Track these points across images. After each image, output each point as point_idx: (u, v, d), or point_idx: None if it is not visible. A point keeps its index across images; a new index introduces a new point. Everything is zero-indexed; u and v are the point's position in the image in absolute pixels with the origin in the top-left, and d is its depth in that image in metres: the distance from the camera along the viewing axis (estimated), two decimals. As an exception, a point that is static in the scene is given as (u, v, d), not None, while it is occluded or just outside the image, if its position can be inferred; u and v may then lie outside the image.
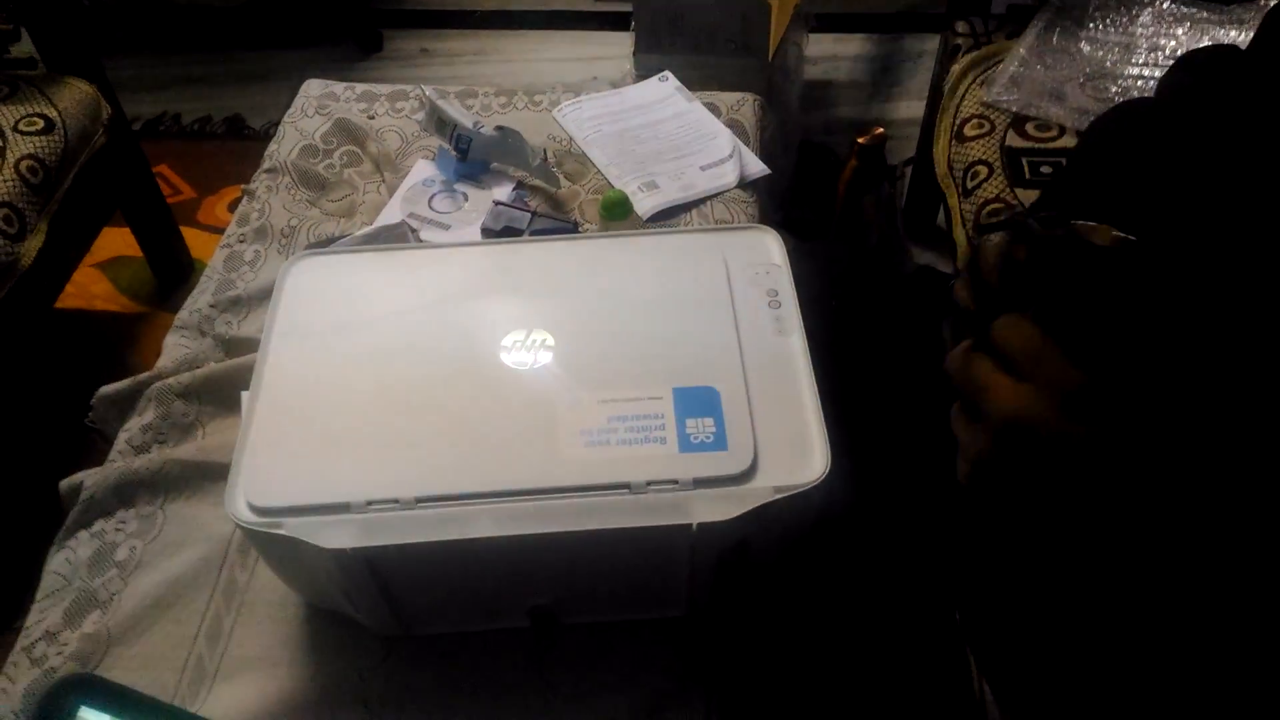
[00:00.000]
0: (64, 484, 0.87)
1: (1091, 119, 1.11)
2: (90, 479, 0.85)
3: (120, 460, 0.88)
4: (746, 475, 0.66)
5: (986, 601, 0.69)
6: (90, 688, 0.54)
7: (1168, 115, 0.70)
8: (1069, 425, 0.48)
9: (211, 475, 0.86)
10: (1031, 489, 0.51)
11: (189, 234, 1.79)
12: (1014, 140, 1.15)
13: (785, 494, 0.65)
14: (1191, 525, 0.47)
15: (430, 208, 1.13)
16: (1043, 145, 1.13)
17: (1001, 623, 0.68)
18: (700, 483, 0.66)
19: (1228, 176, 0.64)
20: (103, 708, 0.53)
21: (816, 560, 0.72)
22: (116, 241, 1.74)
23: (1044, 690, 0.62)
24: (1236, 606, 0.47)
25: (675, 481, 0.65)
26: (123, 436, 0.91)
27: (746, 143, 1.20)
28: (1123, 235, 0.51)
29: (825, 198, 1.56)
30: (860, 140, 1.37)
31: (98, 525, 0.84)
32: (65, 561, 0.82)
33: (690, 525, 0.64)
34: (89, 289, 1.75)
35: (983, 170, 1.13)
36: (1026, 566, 0.62)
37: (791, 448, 0.68)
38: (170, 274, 1.74)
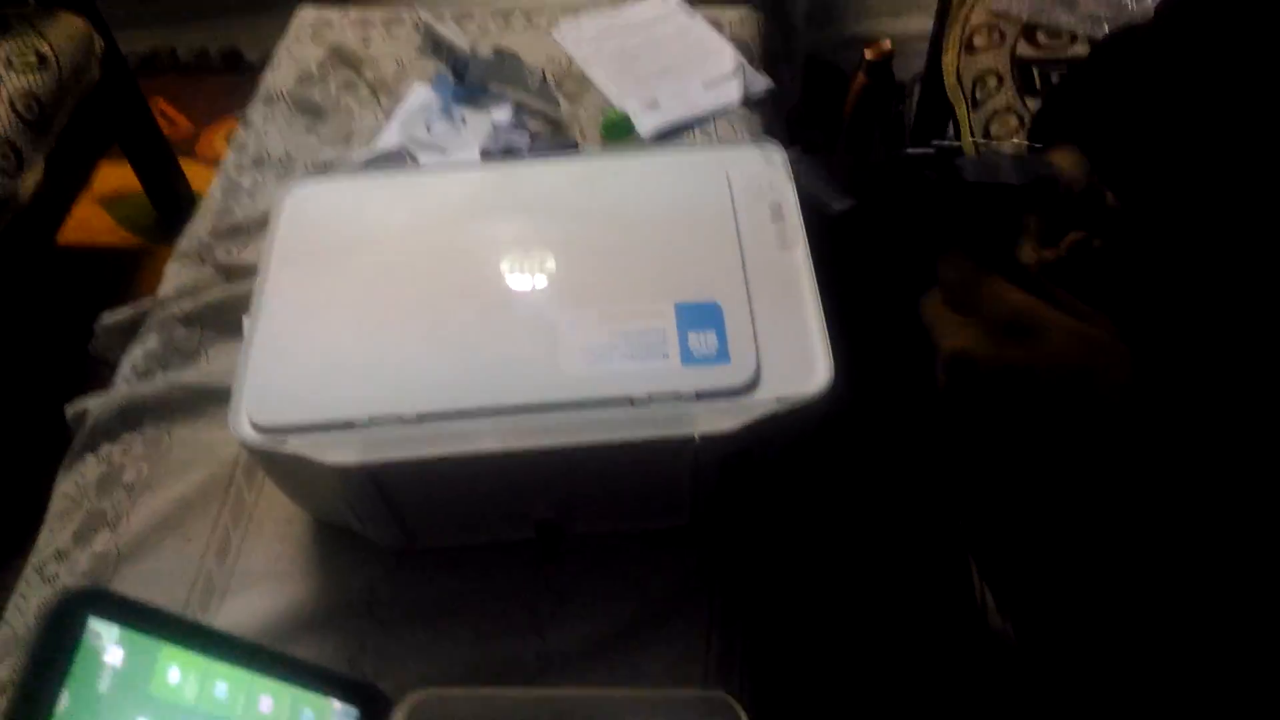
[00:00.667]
0: (70, 409, 0.87)
1: (1104, 25, 1.08)
2: (95, 404, 0.86)
3: (125, 386, 0.88)
4: (749, 387, 0.66)
5: (987, 509, 0.70)
6: (100, 599, 0.54)
7: (1164, 38, 0.68)
8: (1007, 353, 0.49)
9: (216, 399, 0.86)
10: (985, 415, 0.52)
11: (188, 167, 1.79)
12: (1024, 50, 1.12)
13: (788, 405, 0.65)
14: (1141, 441, 0.48)
15: (428, 132, 1.11)
16: (1053, 54, 1.11)
17: (1002, 530, 0.68)
18: (703, 395, 0.65)
19: (1218, 108, 0.62)
20: (112, 619, 0.54)
21: (820, 470, 0.72)
22: (116, 176, 1.73)
23: (1045, 596, 0.63)
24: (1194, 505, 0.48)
25: (677, 394, 0.65)
26: (126, 363, 0.91)
27: (750, 59, 1.18)
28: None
29: (833, 117, 1.54)
30: (868, 55, 1.35)
31: (104, 449, 0.84)
32: (74, 484, 0.83)
33: (693, 437, 0.64)
34: (90, 224, 1.74)
35: (992, 81, 1.11)
36: (1014, 478, 0.63)
37: (794, 359, 0.67)
38: (170, 207, 1.74)
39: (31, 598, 0.76)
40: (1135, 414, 0.48)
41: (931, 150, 0.54)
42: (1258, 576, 0.47)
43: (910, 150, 0.55)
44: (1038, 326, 0.49)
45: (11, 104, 1.33)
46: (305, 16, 1.32)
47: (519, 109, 1.14)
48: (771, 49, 1.25)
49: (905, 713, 0.65)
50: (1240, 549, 0.47)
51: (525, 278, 0.72)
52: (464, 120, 1.13)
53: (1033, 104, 1.07)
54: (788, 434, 0.67)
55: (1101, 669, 0.55)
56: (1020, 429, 0.52)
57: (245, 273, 0.97)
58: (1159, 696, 0.50)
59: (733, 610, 0.73)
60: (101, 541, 0.79)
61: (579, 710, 0.64)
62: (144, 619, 0.55)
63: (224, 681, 0.56)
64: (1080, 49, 1.11)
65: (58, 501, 0.82)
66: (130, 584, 0.76)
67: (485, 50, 1.12)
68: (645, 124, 1.10)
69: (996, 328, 0.50)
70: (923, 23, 1.64)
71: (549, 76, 1.17)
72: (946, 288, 0.53)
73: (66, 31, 1.45)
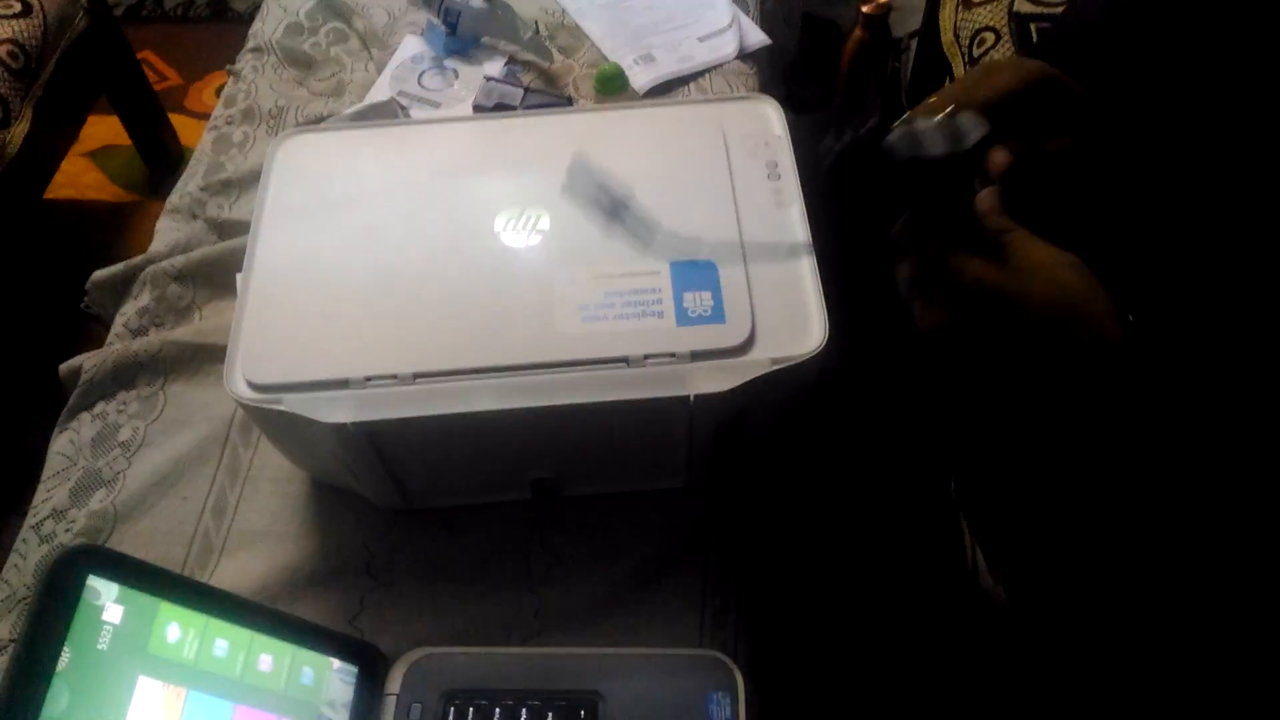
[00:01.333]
0: (63, 367, 0.86)
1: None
2: (89, 362, 0.85)
3: (118, 343, 0.88)
4: (744, 347, 0.66)
5: (978, 469, 0.70)
6: (98, 557, 0.55)
7: None
8: (980, 325, 0.51)
9: (210, 357, 0.86)
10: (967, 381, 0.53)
11: (178, 121, 1.76)
12: (1023, 5, 1.11)
13: (782, 365, 0.65)
14: (1129, 400, 0.48)
15: (420, 85, 1.10)
16: (1053, 10, 1.09)
17: (993, 490, 0.68)
18: (698, 355, 0.65)
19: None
20: (111, 577, 0.54)
21: (814, 430, 0.72)
22: (105, 130, 1.71)
23: (1036, 557, 0.64)
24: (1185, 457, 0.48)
25: (673, 354, 0.65)
26: (119, 320, 0.90)
27: (746, 12, 1.16)
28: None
29: (829, 74, 1.52)
30: (864, 9, 1.33)
31: (99, 407, 0.84)
32: (69, 442, 0.83)
33: (688, 397, 0.64)
34: (79, 179, 1.72)
35: (990, 37, 1.10)
36: (999, 438, 0.63)
37: (789, 320, 0.67)
38: (161, 162, 1.72)
39: (30, 556, 0.77)
40: (1124, 372, 0.48)
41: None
42: (1249, 534, 0.47)
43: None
44: (1007, 295, 0.50)
45: (-4, 53, 1.30)
46: (293, -35, 1.29)
47: (511, 61, 1.13)
48: (767, 3, 1.23)
49: (898, 671, 0.66)
50: (1231, 505, 0.47)
51: (520, 235, 0.72)
52: (456, 73, 1.12)
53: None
54: (782, 394, 0.67)
55: (1090, 630, 0.56)
56: (1002, 392, 0.52)
57: (237, 229, 0.96)
58: (1147, 657, 0.51)
59: (727, 570, 0.74)
60: (98, 500, 0.79)
61: (574, 669, 0.65)
62: (143, 577, 0.56)
63: (223, 640, 0.57)
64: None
65: (53, 460, 0.82)
66: (128, 543, 0.76)
67: (477, 1, 1.10)
68: (640, 78, 1.09)
69: (966, 303, 0.51)
70: (921, -24, 1.62)
71: (542, 28, 1.15)
72: (910, 268, 0.54)
73: (50, -22, 1.42)
